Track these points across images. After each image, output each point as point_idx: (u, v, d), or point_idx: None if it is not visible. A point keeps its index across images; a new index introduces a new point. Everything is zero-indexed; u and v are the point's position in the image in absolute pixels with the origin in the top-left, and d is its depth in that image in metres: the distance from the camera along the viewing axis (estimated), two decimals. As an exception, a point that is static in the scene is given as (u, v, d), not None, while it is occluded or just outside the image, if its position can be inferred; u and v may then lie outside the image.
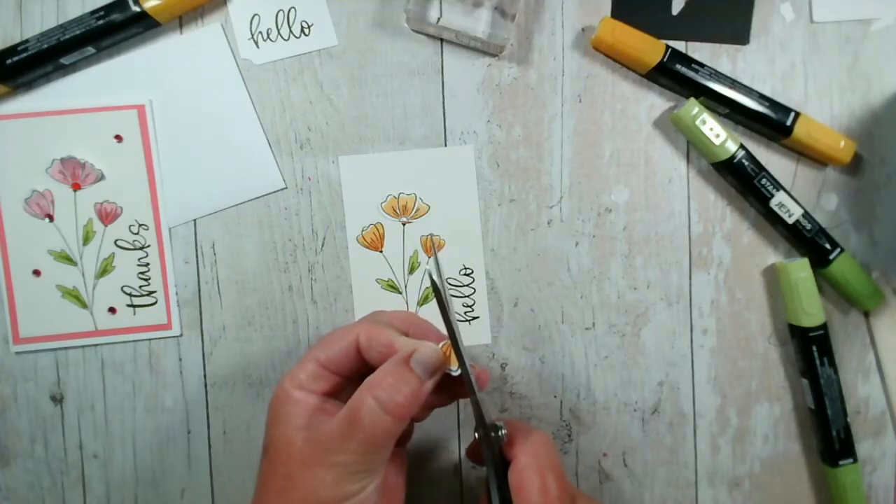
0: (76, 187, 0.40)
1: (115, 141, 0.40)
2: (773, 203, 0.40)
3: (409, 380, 0.29)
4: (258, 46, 0.40)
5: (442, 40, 0.41)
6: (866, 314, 0.43)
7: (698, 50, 0.41)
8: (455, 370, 0.31)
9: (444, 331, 0.32)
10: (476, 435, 0.32)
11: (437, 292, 0.30)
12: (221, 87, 0.40)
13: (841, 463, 0.40)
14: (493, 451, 0.31)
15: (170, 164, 0.40)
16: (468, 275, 0.41)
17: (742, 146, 0.40)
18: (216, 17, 0.40)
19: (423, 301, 0.41)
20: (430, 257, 0.40)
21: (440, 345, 0.31)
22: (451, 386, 0.32)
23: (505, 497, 0.30)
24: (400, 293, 0.41)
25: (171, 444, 0.41)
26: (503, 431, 0.31)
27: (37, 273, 0.40)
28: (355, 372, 0.32)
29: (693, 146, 0.41)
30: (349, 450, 0.27)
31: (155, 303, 0.40)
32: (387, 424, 0.28)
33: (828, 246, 0.40)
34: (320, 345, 0.32)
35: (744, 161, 0.40)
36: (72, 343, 0.40)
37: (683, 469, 0.43)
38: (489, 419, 0.31)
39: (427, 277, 0.34)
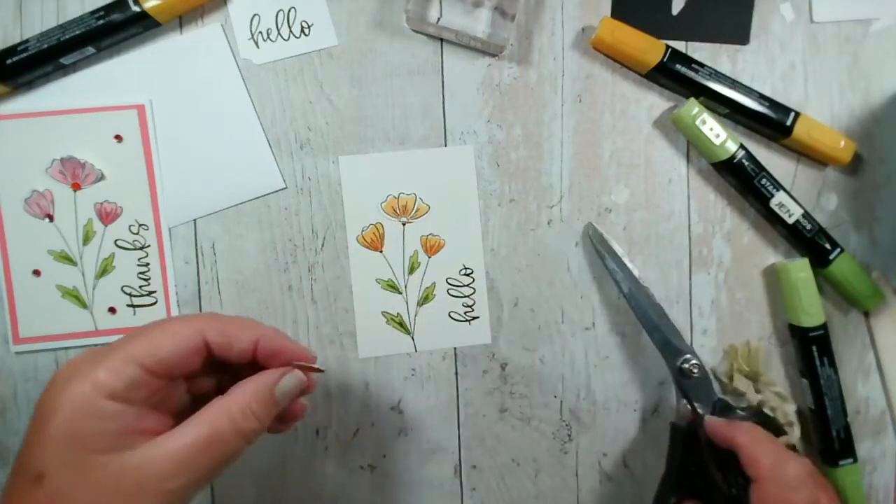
0: (76, 187, 0.40)
1: (115, 141, 0.40)
2: (773, 203, 0.40)
3: (270, 408, 0.27)
4: (258, 46, 0.40)
5: (442, 40, 0.41)
6: (866, 314, 0.43)
7: (698, 50, 0.41)
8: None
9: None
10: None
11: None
12: (221, 87, 0.40)
13: (841, 463, 0.40)
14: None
15: (170, 164, 0.40)
16: (468, 275, 0.41)
17: (742, 146, 0.40)
18: (216, 17, 0.40)
19: (423, 301, 0.41)
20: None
21: (292, 365, 0.30)
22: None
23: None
24: (400, 293, 0.41)
25: (171, 444, 0.41)
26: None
27: (37, 273, 0.40)
28: (191, 373, 0.28)
29: (693, 146, 0.41)
30: (192, 474, 0.24)
31: (155, 303, 0.40)
32: (242, 449, 0.26)
33: (828, 246, 0.40)
34: (139, 343, 0.26)
35: (744, 161, 0.40)
36: (72, 343, 0.40)
37: (683, 469, 0.43)
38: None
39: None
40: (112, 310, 0.40)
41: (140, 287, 0.40)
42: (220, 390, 0.29)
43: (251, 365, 0.29)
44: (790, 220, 0.40)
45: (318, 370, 0.30)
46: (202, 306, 0.41)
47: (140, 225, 0.40)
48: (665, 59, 0.39)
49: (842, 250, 0.41)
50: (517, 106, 0.41)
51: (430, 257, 0.41)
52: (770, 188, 0.40)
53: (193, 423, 0.25)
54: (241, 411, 0.26)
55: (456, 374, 0.42)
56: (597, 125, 0.42)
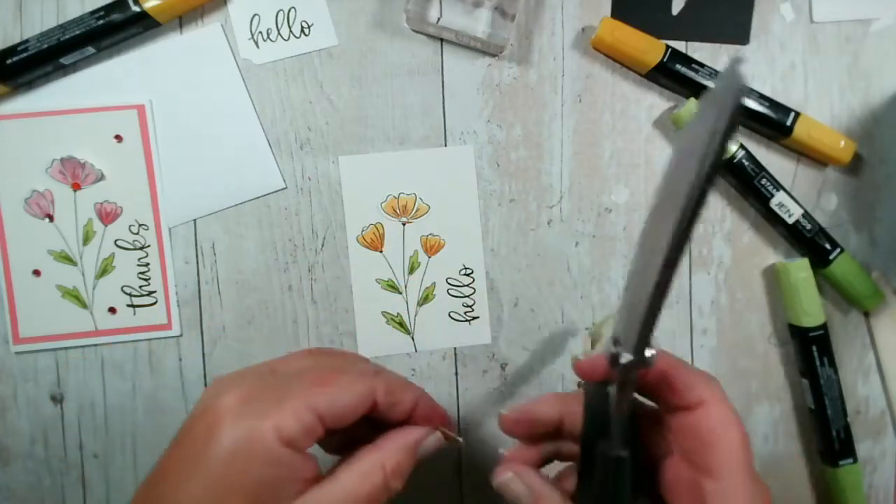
0: (76, 187, 0.40)
1: (115, 141, 0.40)
2: (773, 203, 0.40)
3: (411, 466, 0.27)
4: (258, 46, 0.40)
5: (442, 40, 0.41)
6: (866, 314, 0.43)
7: (698, 50, 0.41)
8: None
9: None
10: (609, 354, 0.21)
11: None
12: (221, 87, 0.40)
13: (841, 463, 0.40)
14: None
15: (170, 164, 0.40)
16: (468, 275, 0.41)
17: (742, 146, 0.40)
18: (216, 17, 0.40)
19: (423, 301, 0.41)
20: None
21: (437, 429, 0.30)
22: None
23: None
24: (400, 293, 0.41)
25: (171, 444, 0.41)
26: (652, 353, 0.20)
27: (37, 273, 0.40)
28: (351, 424, 0.27)
29: (693, 146, 0.41)
30: None
31: (155, 303, 0.40)
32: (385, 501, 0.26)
33: (828, 246, 0.40)
34: (319, 392, 0.25)
35: (744, 161, 0.40)
36: (72, 343, 0.40)
37: (683, 469, 0.43)
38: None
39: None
40: (112, 310, 0.40)
41: (140, 287, 0.40)
42: (352, 440, 0.29)
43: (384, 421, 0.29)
44: (790, 220, 0.40)
45: (457, 441, 0.30)
46: (202, 306, 0.41)
47: (140, 225, 0.40)
48: (665, 59, 0.40)
49: (842, 250, 0.41)
50: (517, 106, 0.41)
51: (430, 257, 0.41)
52: (770, 188, 0.40)
53: (349, 475, 0.25)
54: (392, 468, 0.26)
55: (456, 374, 0.42)
56: (597, 125, 0.42)
